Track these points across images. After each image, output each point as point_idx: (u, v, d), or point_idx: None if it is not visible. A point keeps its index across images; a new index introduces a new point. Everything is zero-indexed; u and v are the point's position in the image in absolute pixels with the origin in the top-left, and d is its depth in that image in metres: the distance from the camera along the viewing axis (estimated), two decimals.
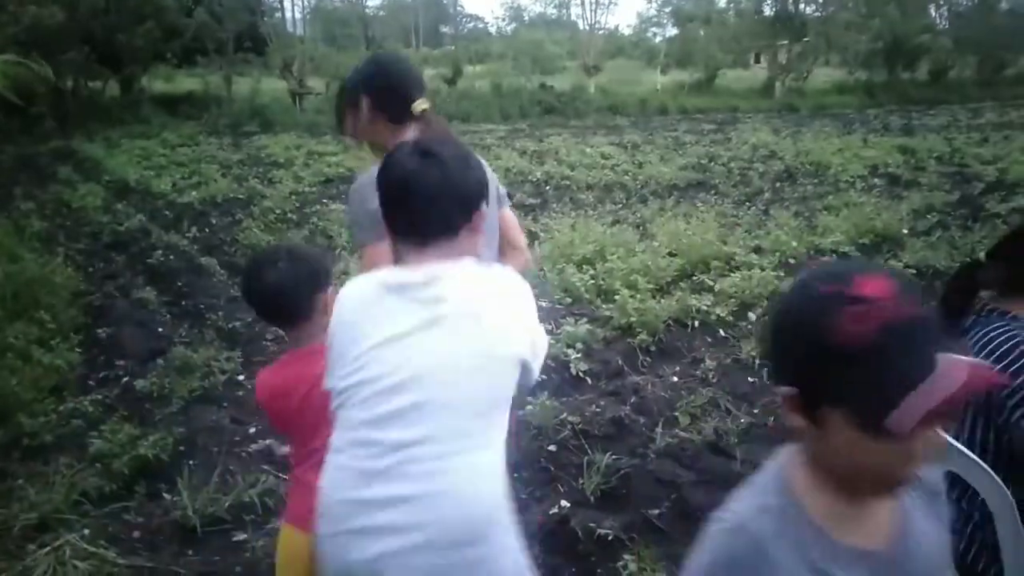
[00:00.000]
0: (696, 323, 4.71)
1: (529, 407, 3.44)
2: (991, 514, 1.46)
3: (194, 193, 9.37)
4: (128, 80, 19.29)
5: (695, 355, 4.36)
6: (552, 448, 3.28)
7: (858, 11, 28.34)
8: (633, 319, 4.57)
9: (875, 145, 13.18)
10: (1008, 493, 1.38)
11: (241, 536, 2.76)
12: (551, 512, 2.81)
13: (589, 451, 3.18)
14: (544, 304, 4.93)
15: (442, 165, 1.34)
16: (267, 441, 3.42)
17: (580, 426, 3.41)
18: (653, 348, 4.40)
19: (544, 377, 3.85)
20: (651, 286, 5.17)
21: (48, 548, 2.58)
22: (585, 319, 4.64)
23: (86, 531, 2.71)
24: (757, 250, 6.26)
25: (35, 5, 13.66)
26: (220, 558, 2.65)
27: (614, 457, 3.12)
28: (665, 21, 35.84)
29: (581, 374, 4.04)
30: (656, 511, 2.83)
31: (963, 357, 0.80)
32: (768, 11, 29.54)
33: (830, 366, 0.81)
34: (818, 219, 7.40)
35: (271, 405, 1.71)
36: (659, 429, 3.47)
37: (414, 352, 1.30)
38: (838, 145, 13.03)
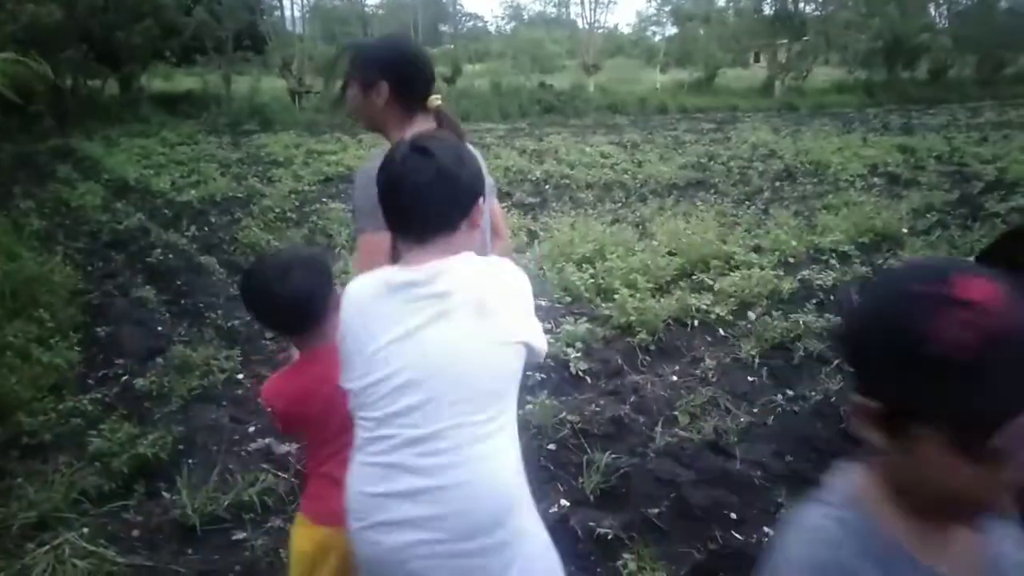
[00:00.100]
0: (695, 322, 4.71)
1: (529, 406, 3.44)
2: None
3: (193, 192, 9.36)
4: (127, 78, 19.27)
5: (695, 354, 4.35)
6: (551, 447, 3.28)
7: (858, 10, 28.37)
8: (633, 318, 4.57)
9: (875, 144, 13.19)
10: None
11: (240, 535, 2.76)
12: (550, 511, 2.80)
13: (588, 450, 3.18)
14: (543, 303, 4.93)
15: (438, 163, 1.35)
16: (266, 440, 3.42)
17: (579, 425, 3.41)
18: (653, 347, 4.40)
19: (543, 376, 3.86)
20: (650, 285, 5.17)
21: (47, 547, 2.57)
22: (585, 318, 4.64)
23: (85, 530, 2.70)
24: (757, 249, 6.26)
25: (33, 3, 13.65)
26: (219, 557, 2.65)
27: (613, 456, 3.12)
28: (665, 20, 35.82)
29: (580, 373, 4.04)
30: (655, 510, 2.83)
31: None
32: (768, 10, 29.56)
33: (925, 378, 0.71)
34: (818, 218, 7.40)
35: (289, 411, 1.68)
36: (659, 428, 3.46)
37: (425, 347, 1.32)
38: (838, 144, 13.04)
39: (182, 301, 5.40)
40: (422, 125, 1.92)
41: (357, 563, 1.44)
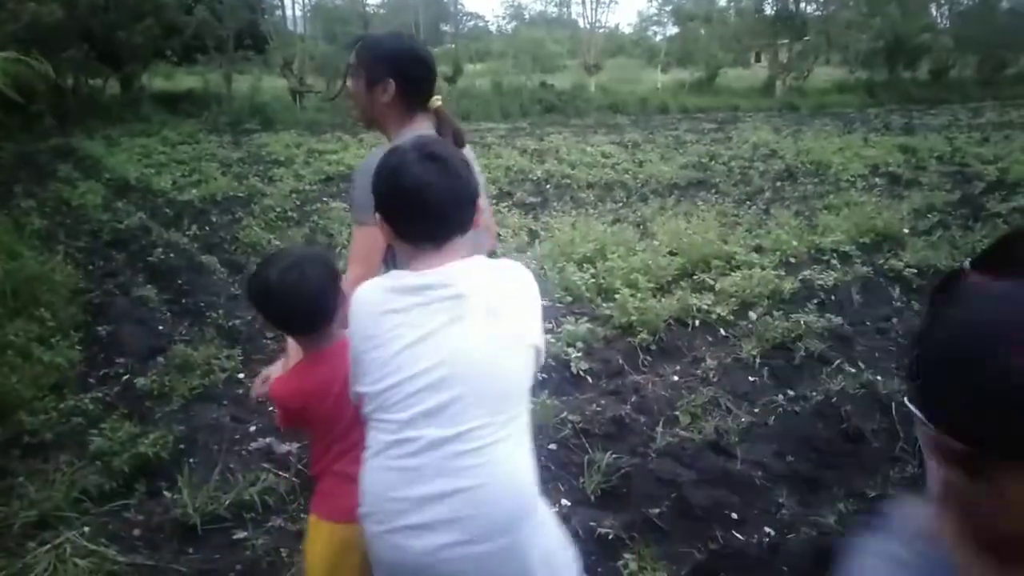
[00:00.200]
0: (697, 322, 4.71)
1: (530, 406, 3.44)
2: None
3: (194, 191, 9.36)
4: (128, 78, 19.26)
5: (696, 354, 4.35)
6: (552, 447, 3.28)
7: (859, 10, 28.33)
8: (634, 318, 4.56)
9: (876, 144, 13.17)
10: None
11: (241, 534, 2.76)
12: (551, 511, 2.80)
13: (589, 450, 3.18)
14: (544, 302, 4.92)
15: (453, 170, 1.39)
16: (267, 439, 3.42)
17: (580, 425, 3.41)
18: (654, 347, 4.40)
19: (544, 376, 3.85)
20: (651, 285, 5.17)
21: (48, 546, 2.58)
22: (585, 318, 4.64)
23: (86, 529, 2.71)
24: (758, 249, 6.26)
25: (34, 3, 13.63)
26: (220, 556, 2.65)
27: (614, 456, 3.12)
28: (666, 20, 35.77)
29: (581, 373, 4.04)
30: (656, 510, 2.83)
31: None
32: (769, 10, 29.52)
33: (1016, 415, 0.63)
34: (819, 218, 7.39)
35: (300, 409, 1.68)
36: (659, 428, 3.46)
37: (443, 350, 1.35)
38: (839, 144, 13.03)
39: (183, 300, 5.40)
40: (422, 124, 1.93)
41: (375, 566, 1.45)
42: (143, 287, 5.59)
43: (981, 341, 0.64)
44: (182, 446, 3.31)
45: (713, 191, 9.60)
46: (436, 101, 1.95)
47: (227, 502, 2.87)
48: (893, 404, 3.54)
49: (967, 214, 7.76)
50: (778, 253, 6.09)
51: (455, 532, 1.32)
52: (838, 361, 4.10)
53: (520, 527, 1.37)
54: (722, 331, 4.66)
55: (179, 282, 5.79)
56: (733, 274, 5.44)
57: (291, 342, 1.81)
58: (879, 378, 3.85)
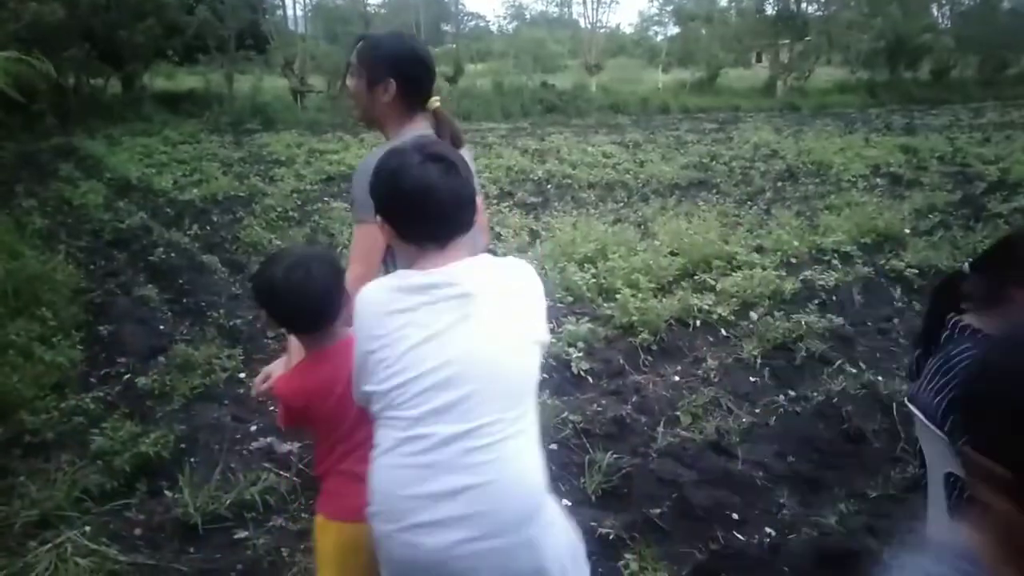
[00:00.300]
0: (698, 322, 4.71)
1: (536, 402, 3.44)
2: None
3: (195, 191, 9.37)
4: (129, 77, 19.26)
5: (697, 354, 4.35)
6: (553, 447, 3.27)
7: (860, 10, 28.30)
8: (635, 318, 4.56)
9: (877, 144, 13.17)
10: None
11: (242, 534, 2.76)
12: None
13: (590, 450, 3.18)
14: (546, 302, 4.91)
15: (454, 171, 1.41)
16: (268, 439, 3.42)
17: (581, 425, 3.41)
18: (655, 347, 4.40)
19: (545, 376, 3.85)
20: (652, 285, 5.17)
21: (49, 545, 2.58)
22: (586, 318, 4.64)
23: (87, 528, 2.71)
24: (759, 249, 6.26)
25: (36, 2, 13.63)
26: (221, 556, 2.65)
27: (615, 456, 3.12)
28: (667, 20, 35.77)
29: (582, 373, 4.04)
30: (657, 510, 2.83)
31: None
32: (770, 10, 29.49)
33: None
34: (820, 218, 7.39)
35: (307, 406, 1.68)
36: (660, 428, 3.46)
37: (451, 349, 1.35)
38: (840, 144, 13.03)
39: (184, 300, 5.40)
40: (420, 125, 1.95)
41: (384, 565, 1.44)
42: (144, 287, 5.59)
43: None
44: (183, 445, 3.32)
45: (714, 191, 9.59)
46: (435, 102, 1.97)
47: (228, 502, 2.87)
48: (894, 405, 3.53)
49: (968, 214, 7.76)
50: (779, 253, 6.08)
51: (467, 529, 1.32)
52: (839, 361, 4.10)
53: (531, 523, 1.38)
54: (723, 331, 4.66)
55: (180, 282, 5.79)
56: (734, 274, 5.44)
57: (293, 340, 1.81)
58: (880, 379, 3.85)
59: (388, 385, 1.37)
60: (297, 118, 18.61)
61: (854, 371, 3.98)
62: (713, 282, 5.41)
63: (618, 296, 4.84)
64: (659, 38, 38.68)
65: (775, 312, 4.80)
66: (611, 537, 2.65)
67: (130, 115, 17.28)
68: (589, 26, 29.34)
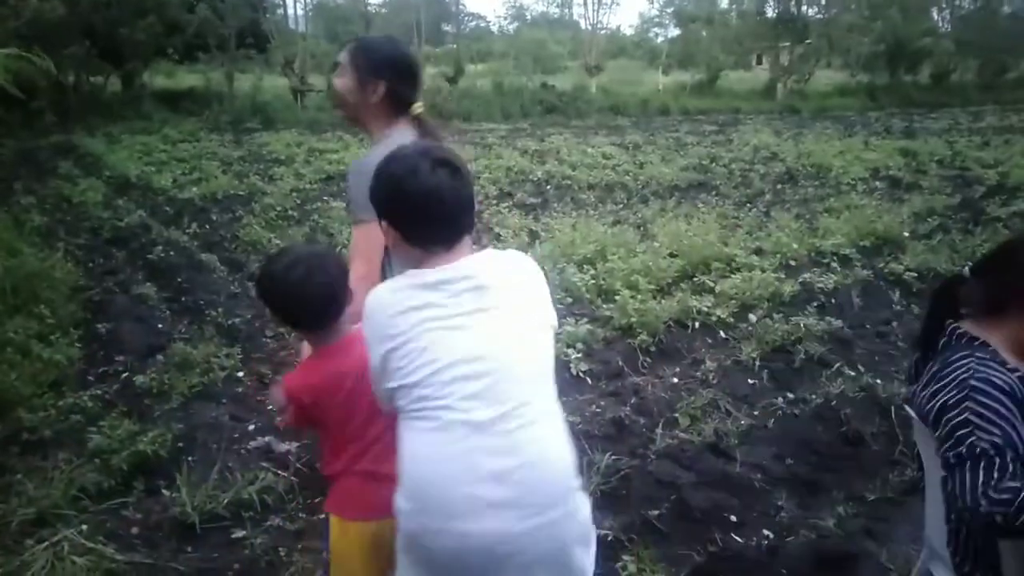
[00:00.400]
0: (696, 324, 4.70)
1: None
2: (983, 525, 1.44)
3: (195, 189, 9.36)
4: (129, 75, 19.26)
5: (695, 356, 4.35)
6: None
7: (860, 13, 28.35)
8: (633, 319, 4.56)
9: (876, 148, 13.18)
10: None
11: (240, 533, 2.75)
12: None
13: (589, 451, 3.17)
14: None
15: (460, 174, 1.46)
16: (266, 438, 3.42)
17: (580, 426, 3.40)
18: (653, 349, 4.40)
19: None
20: (652, 287, 5.16)
21: (46, 543, 2.57)
22: (585, 319, 4.64)
23: (84, 527, 2.70)
24: (758, 252, 6.25)
25: None
26: (219, 555, 2.65)
27: (614, 458, 3.11)
28: (667, 22, 35.88)
29: (581, 374, 4.04)
30: (656, 512, 2.82)
31: None
32: (770, 12, 29.57)
33: None
34: (819, 221, 7.39)
35: (314, 402, 1.69)
36: (659, 430, 3.46)
37: (475, 338, 1.40)
38: (839, 147, 13.04)
39: (183, 298, 5.39)
40: (404, 128, 2.00)
41: (414, 565, 1.43)
42: (143, 285, 5.59)
43: None
44: (181, 444, 3.31)
45: (714, 193, 9.59)
46: (418, 108, 2.02)
47: (226, 501, 2.86)
48: (892, 408, 3.54)
49: (967, 218, 7.76)
50: (778, 256, 6.08)
51: (515, 509, 1.35)
52: (838, 364, 4.10)
53: (566, 500, 1.43)
54: (722, 333, 4.66)
55: (179, 280, 5.79)
56: (733, 276, 5.43)
57: (306, 344, 1.82)
58: (879, 381, 3.85)
59: (415, 378, 1.39)
60: (297, 117, 18.61)
61: (853, 374, 3.98)
62: (712, 284, 5.40)
63: (617, 297, 4.83)
64: (659, 40, 38.78)
65: (774, 314, 4.79)
66: (609, 539, 2.64)
67: (130, 113, 17.28)
68: (589, 27, 29.40)
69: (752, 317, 4.83)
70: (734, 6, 32.38)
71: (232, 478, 3.02)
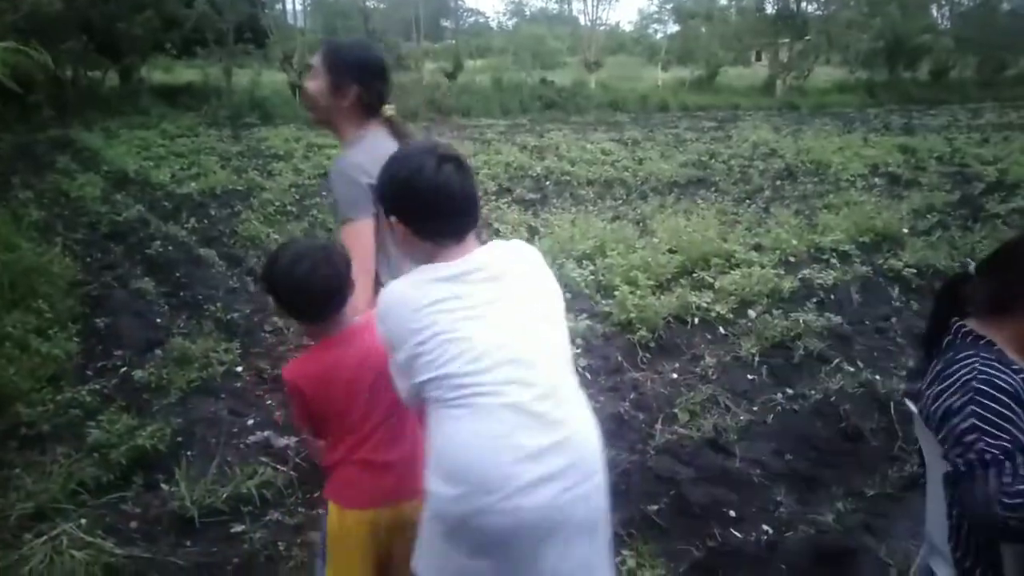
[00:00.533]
0: (696, 320, 4.70)
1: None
2: (998, 531, 1.44)
3: (193, 184, 9.34)
4: (127, 70, 19.21)
5: (695, 352, 4.35)
6: None
7: (860, 10, 28.33)
8: (633, 315, 4.56)
9: (876, 144, 13.17)
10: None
11: (239, 528, 2.75)
12: None
13: None
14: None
15: (465, 170, 1.52)
16: (265, 433, 3.41)
17: None
18: (653, 344, 4.39)
19: None
20: (651, 282, 5.15)
21: (45, 537, 2.56)
22: (585, 315, 4.63)
23: (83, 521, 2.69)
24: (757, 248, 6.25)
25: None
26: (218, 549, 2.65)
27: (613, 453, 3.11)
28: (666, 18, 35.85)
29: (580, 370, 4.03)
30: (655, 507, 2.82)
31: None
32: (770, 9, 29.50)
33: None
34: (818, 217, 7.38)
35: (313, 393, 1.72)
36: (658, 425, 3.46)
37: (499, 327, 1.46)
38: (839, 144, 13.02)
39: (181, 293, 5.39)
40: (376, 130, 2.05)
41: (480, 543, 1.44)
42: (141, 280, 5.58)
43: None
44: (180, 439, 3.30)
45: (713, 189, 9.59)
46: (389, 109, 2.06)
47: (225, 495, 2.86)
48: (892, 403, 3.54)
49: (966, 215, 7.77)
50: (778, 252, 6.08)
51: (563, 479, 1.42)
52: (837, 360, 4.10)
53: (600, 470, 1.53)
54: (721, 329, 4.66)
55: (177, 275, 5.77)
56: (732, 272, 5.43)
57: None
58: (878, 377, 3.85)
59: (450, 369, 1.42)
60: (295, 112, 18.50)
61: (852, 370, 3.98)
62: (711, 280, 5.40)
63: (616, 293, 4.83)
64: (659, 36, 38.78)
65: (773, 310, 4.79)
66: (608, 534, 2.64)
67: (127, 108, 17.24)
68: (589, 23, 29.39)
69: (751, 313, 4.83)
70: (733, 2, 32.36)
71: (231, 473, 3.02)
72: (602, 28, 30.02)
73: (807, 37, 27.75)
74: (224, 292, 5.38)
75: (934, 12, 34.22)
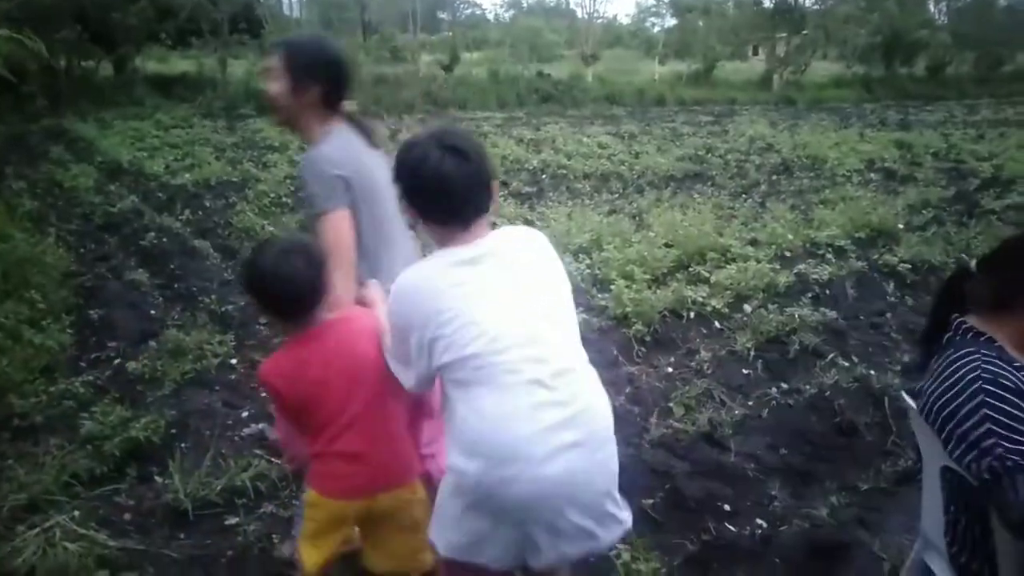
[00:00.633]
0: (691, 314, 4.70)
1: None
2: (979, 515, 1.45)
3: (188, 175, 9.30)
4: (122, 60, 19.10)
5: (690, 346, 4.35)
6: None
7: (857, 5, 28.31)
8: (629, 309, 4.55)
9: (872, 139, 13.18)
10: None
11: (233, 520, 2.74)
12: None
13: None
14: None
15: (470, 159, 1.57)
16: (259, 425, 3.40)
17: None
18: (648, 338, 4.39)
19: None
20: (647, 276, 5.15)
21: (38, 529, 2.55)
22: (580, 308, 4.62)
23: (76, 513, 2.68)
24: (753, 242, 6.25)
25: None
26: (212, 542, 2.64)
27: None
28: (664, 11, 35.77)
29: None
30: (650, 501, 2.82)
31: None
32: (767, 3, 29.41)
33: None
34: (814, 212, 7.39)
35: (287, 389, 1.77)
36: (653, 419, 3.47)
37: (515, 307, 1.55)
38: (835, 139, 13.03)
39: (175, 285, 5.36)
40: (340, 126, 2.06)
41: (502, 510, 1.52)
42: (135, 271, 5.55)
43: None
44: (174, 431, 3.29)
45: (709, 184, 9.58)
46: (349, 105, 2.09)
47: (219, 488, 2.85)
48: (886, 398, 3.54)
49: (962, 210, 7.78)
50: (773, 247, 6.08)
51: (579, 448, 1.52)
52: (832, 355, 4.10)
53: (612, 438, 1.62)
54: (717, 323, 4.66)
55: (172, 267, 5.75)
56: (728, 267, 5.43)
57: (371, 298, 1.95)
58: (872, 372, 3.85)
59: (472, 350, 1.51)
60: None
61: (847, 364, 3.99)
62: (707, 274, 5.40)
63: (612, 287, 4.83)
64: (656, 29, 38.70)
65: (769, 305, 4.80)
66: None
67: (122, 98, 17.14)
68: (586, 16, 29.31)
69: (747, 307, 4.83)
70: None
71: (225, 465, 3.01)
72: (599, 21, 30.01)
73: (804, 32, 27.72)
74: (218, 284, 5.36)
75: (931, 8, 34.24)
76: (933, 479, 1.57)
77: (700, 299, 4.80)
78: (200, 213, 7.61)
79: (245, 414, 3.54)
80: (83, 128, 13.40)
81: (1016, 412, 1.36)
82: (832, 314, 4.67)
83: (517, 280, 1.58)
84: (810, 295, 5.04)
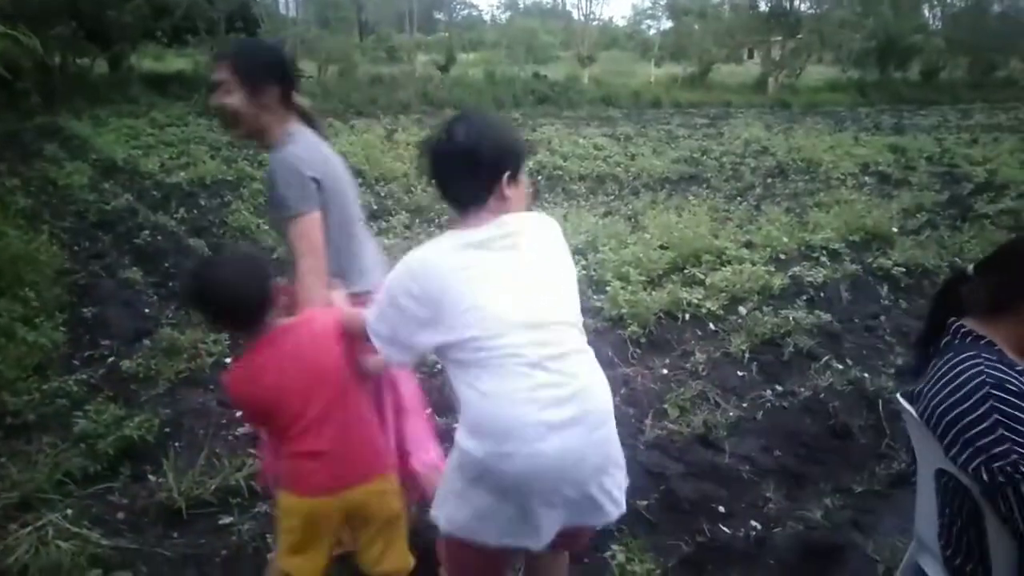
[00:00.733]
0: (686, 316, 4.71)
1: None
2: (974, 517, 1.45)
3: (183, 174, 9.27)
4: (117, 57, 19.03)
5: (685, 348, 4.36)
6: None
7: (852, 9, 28.44)
8: (624, 311, 4.56)
9: (866, 143, 13.23)
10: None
11: (227, 519, 2.73)
12: None
13: None
14: None
15: (476, 153, 1.60)
16: None
17: None
18: (643, 340, 4.40)
19: None
20: (642, 278, 5.16)
21: (30, 528, 2.54)
22: None
23: (69, 511, 2.67)
24: (748, 245, 6.26)
25: None
26: (206, 541, 2.63)
27: None
28: (660, 14, 35.85)
29: None
30: (645, 502, 2.83)
31: None
32: (763, 6, 29.57)
33: None
34: (809, 215, 7.41)
35: (246, 394, 1.82)
36: (648, 421, 3.47)
37: (520, 291, 1.58)
38: (829, 142, 13.07)
39: (170, 283, 5.34)
40: (298, 126, 2.06)
41: (502, 486, 1.55)
42: (129, 269, 5.53)
43: None
44: (167, 430, 3.28)
45: (704, 186, 9.60)
46: (304, 101, 2.10)
47: (213, 487, 2.84)
48: (880, 401, 3.56)
49: (955, 214, 7.82)
50: (768, 249, 6.09)
51: (577, 426, 1.55)
52: (826, 357, 4.12)
53: (611, 418, 1.66)
54: (712, 325, 4.67)
55: (166, 265, 5.73)
56: (723, 269, 5.44)
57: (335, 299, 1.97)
58: (867, 375, 3.87)
59: (476, 332, 1.54)
60: None
61: (841, 367, 4.00)
62: (702, 276, 5.41)
63: (608, 288, 4.83)
64: (652, 32, 38.76)
65: (763, 307, 4.81)
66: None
67: (117, 96, 17.07)
68: (582, 18, 29.37)
69: (742, 310, 4.84)
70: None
71: (219, 464, 3.00)
72: (595, 23, 30.05)
73: (799, 35, 27.84)
74: None
75: (926, 13, 34.43)
76: (928, 482, 1.58)
77: (695, 301, 4.81)
78: (195, 212, 7.59)
79: (239, 413, 3.52)
80: (77, 126, 13.34)
81: (1022, 415, 1.36)
82: (826, 317, 4.68)
83: (523, 264, 1.61)
84: (804, 298, 5.06)
